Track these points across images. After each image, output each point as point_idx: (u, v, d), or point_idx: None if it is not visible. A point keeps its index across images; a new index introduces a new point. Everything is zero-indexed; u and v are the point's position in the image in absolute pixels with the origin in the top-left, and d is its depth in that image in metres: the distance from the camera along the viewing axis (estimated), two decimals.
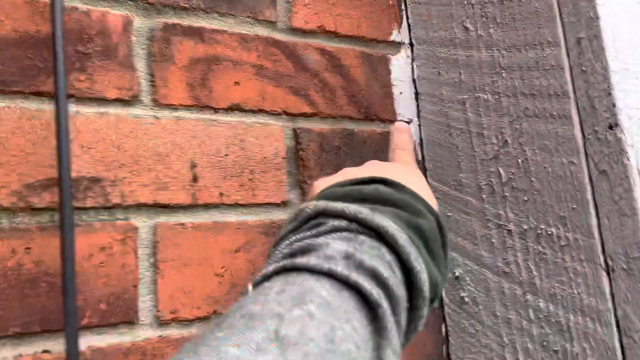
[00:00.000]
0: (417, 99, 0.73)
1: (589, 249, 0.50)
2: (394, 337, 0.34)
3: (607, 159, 0.49)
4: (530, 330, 0.56)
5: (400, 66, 0.73)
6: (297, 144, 0.64)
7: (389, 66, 0.72)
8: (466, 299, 0.64)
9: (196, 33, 0.60)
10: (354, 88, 0.69)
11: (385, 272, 0.35)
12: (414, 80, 0.73)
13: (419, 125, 0.72)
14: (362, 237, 0.38)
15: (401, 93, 0.72)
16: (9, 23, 0.51)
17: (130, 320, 0.51)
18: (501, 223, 0.59)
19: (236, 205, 0.58)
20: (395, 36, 0.74)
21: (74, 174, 0.51)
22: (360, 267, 0.35)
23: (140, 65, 0.56)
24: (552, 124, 0.54)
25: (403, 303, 0.36)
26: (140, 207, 0.54)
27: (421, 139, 0.72)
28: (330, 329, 0.30)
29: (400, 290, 0.36)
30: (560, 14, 0.54)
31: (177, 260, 0.54)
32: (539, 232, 0.55)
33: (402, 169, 0.50)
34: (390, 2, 0.74)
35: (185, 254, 0.55)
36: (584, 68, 0.51)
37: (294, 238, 0.39)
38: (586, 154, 0.51)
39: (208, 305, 0.55)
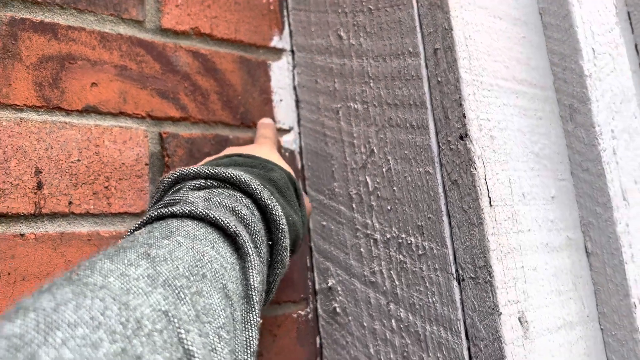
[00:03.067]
0: (297, 107, 0.72)
1: (442, 258, 0.51)
2: (256, 261, 0.38)
3: (457, 169, 0.50)
4: (393, 341, 0.55)
5: (281, 73, 0.72)
6: (162, 150, 0.61)
7: (269, 72, 0.71)
8: (338, 310, 0.63)
9: (49, 29, 0.56)
10: (229, 93, 0.67)
11: (242, 209, 0.40)
12: (294, 88, 0.72)
13: (299, 134, 0.71)
14: (219, 190, 0.43)
15: (281, 100, 0.71)
16: None
17: None
18: (368, 232, 0.59)
19: (87, 215, 0.54)
20: (276, 42, 0.72)
21: None
22: (219, 206, 0.40)
23: None
24: (412, 133, 0.54)
25: (262, 236, 0.41)
26: None
27: (301, 148, 0.70)
28: (197, 252, 0.34)
29: (257, 226, 0.41)
30: (421, 25, 0.54)
31: (13, 275, 0.49)
32: (400, 241, 0.55)
33: (256, 147, 0.55)
34: (272, 7, 0.73)
35: (24, 268, 0.50)
36: (439, 79, 0.52)
37: (158, 205, 0.42)
38: (441, 163, 0.51)
39: None
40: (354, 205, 0.61)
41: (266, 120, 0.65)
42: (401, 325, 0.54)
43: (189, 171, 0.44)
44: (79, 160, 0.55)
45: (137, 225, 0.39)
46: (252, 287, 0.37)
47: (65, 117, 0.55)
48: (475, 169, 0.48)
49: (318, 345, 0.66)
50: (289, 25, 0.74)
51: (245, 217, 0.40)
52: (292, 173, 0.52)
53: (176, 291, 0.30)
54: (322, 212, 0.66)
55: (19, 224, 0.51)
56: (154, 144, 0.60)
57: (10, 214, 0.50)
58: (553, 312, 0.51)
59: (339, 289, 0.63)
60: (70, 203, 0.53)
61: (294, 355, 0.64)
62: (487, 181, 0.48)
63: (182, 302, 0.29)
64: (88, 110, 0.57)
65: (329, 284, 0.64)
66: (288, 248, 0.45)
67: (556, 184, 0.56)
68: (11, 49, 0.53)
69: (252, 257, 0.38)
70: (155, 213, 0.38)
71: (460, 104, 0.50)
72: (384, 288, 0.57)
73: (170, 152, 0.61)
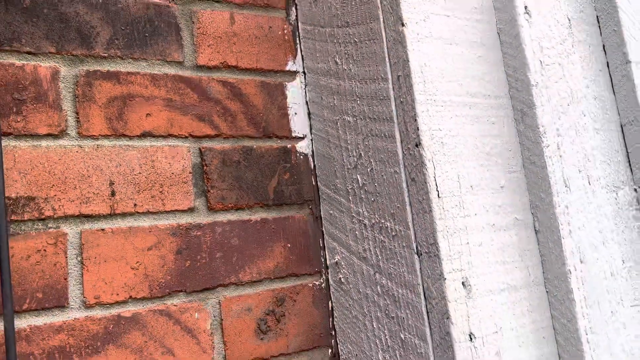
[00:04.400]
0: (309, 118, 0.88)
1: (407, 238, 0.66)
2: None
3: (415, 169, 0.64)
4: (379, 302, 0.71)
5: (295, 91, 0.88)
6: (202, 161, 0.79)
7: (285, 92, 0.88)
8: (342, 280, 0.79)
9: (114, 76, 0.75)
10: (253, 112, 0.84)
11: None
12: (306, 103, 0.88)
13: (311, 140, 0.87)
14: None
15: (296, 114, 0.88)
16: None
17: (62, 305, 0.67)
18: (360, 219, 0.75)
19: (148, 213, 0.74)
20: (290, 66, 0.89)
21: (13, 195, 0.66)
22: None
23: (67, 105, 0.72)
24: (385, 141, 0.69)
25: None
26: (68, 217, 0.69)
27: (312, 151, 0.87)
28: None
29: None
30: (389, 56, 0.69)
31: (98, 258, 0.70)
32: (381, 225, 0.71)
33: None
34: (286, 38, 0.89)
35: (105, 253, 0.70)
36: (402, 99, 0.66)
37: None
38: (404, 165, 0.66)
39: (125, 292, 0.70)
40: (350, 198, 0.77)
41: None
42: (383, 290, 0.70)
43: None
44: (140, 173, 0.74)
45: None
46: None
47: (128, 141, 0.75)
48: (426, 169, 0.63)
49: (330, 308, 0.83)
50: (301, 51, 0.90)
51: None
52: None
53: None
54: (330, 203, 0.82)
55: (100, 222, 0.71)
56: (195, 157, 0.79)
57: (94, 214, 0.70)
58: (497, 278, 0.65)
59: (343, 263, 0.79)
60: (135, 205, 0.73)
61: (311, 316, 0.81)
62: (436, 178, 0.63)
63: None
64: (145, 135, 0.76)
65: (336, 260, 0.81)
66: None
67: (506, 175, 0.69)
68: (88, 94, 0.73)
69: None
70: None
71: (415, 119, 0.64)
72: (372, 262, 0.73)
73: (208, 162, 0.79)
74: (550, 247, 0.68)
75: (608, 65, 0.83)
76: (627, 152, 0.81)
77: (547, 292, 0.68)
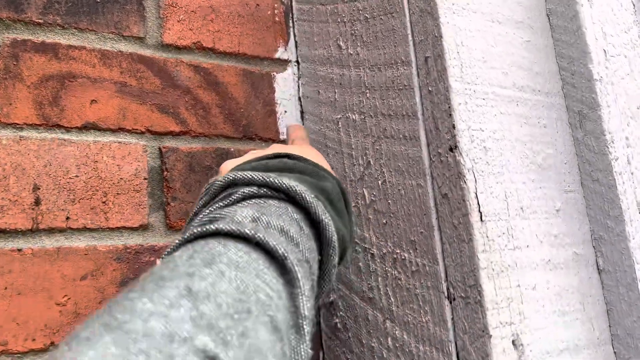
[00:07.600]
0: (302, 117, 0.71)
1: (434, 276, 0.48)
2: (306, 285, 0.35)
3: (447, 182, 0.47)
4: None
5: (286, 84, 0.71)
6: (162, 164, 0.61)
7: (273, 84, 0.71)
8: (339, 325, 0.61)
9: (50, 49, 0.58)
10: (231, 106, 0.67)
11: (291, 228, 0.38)
12: (299, 99, 0.71)
13: None
14: (270, 201, 0.40)
15: (285, 111, 0.70)
16: None
17: None
18: (366, 246, 0.57)
19: (85, 230, 0.55)
20: (281, 53, 0.72)
21: None
22: (268, 227, 0.37)
23: None
24: (404, 145, 0.52)
25: (313, 254, 0.39)
26: None
27: None
28: (241, 282, 0.31)
29: (308, 243, 0.39)
30: (412, 32, 0.52)
31: (9, 289, 0.51)
32: (395, 256, 0.53)
33: (303, 148, 0.54)
34: (277, 19, 0.73)
35: (20, 282, 0.51)
36: (430, 88, 0.50)
37: (206, 212, 0.41)
38: (432, 176, 0.49)
39: (45, 337, 0.51)
40: (352, 219, 0.59)
41: (296, 124, 0.68)
42: (397, 345, 0.52)
43: (242, 176, 0.42)
44: (77, 176, 0.56)
45: (177, 243, 0.37)
46: (303, 315, 0.34)
47: (64, 134, 0.57)
48: (465, 182, 0.46)
49: None
50: (294, 36, 0.73)
51: (293, 235, 0.38)
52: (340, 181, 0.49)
53: (220, 335, 0.27)
54: None
55: (16, 240, 0.52)
56: (153, 159, 0.61)
57: (8, 229, 0.52)
58: (555, 335, 0.47)
59: (340, 304, 0.61)
60: (67, 218, 0.55)
61: None
62: (477, 195, 0.46)
63: (228, 346, 0.27)
64: (87, 127, 0.58)
65: (331, 299, 0.63)
66: (336, 265, 0.43)
67: (562, 195, 0.53)
68: (12, 70, 0.55)
69: (301, 282, 0.34)
70: (198, 230, 0.36)
71: (450, 115, 0.47)
72: (381, 305, 0.55)
73: (170, 166, 0.61)
74: (620, 293, 0.51)
75: None
76: None
77: (614, 352, 0.51)
